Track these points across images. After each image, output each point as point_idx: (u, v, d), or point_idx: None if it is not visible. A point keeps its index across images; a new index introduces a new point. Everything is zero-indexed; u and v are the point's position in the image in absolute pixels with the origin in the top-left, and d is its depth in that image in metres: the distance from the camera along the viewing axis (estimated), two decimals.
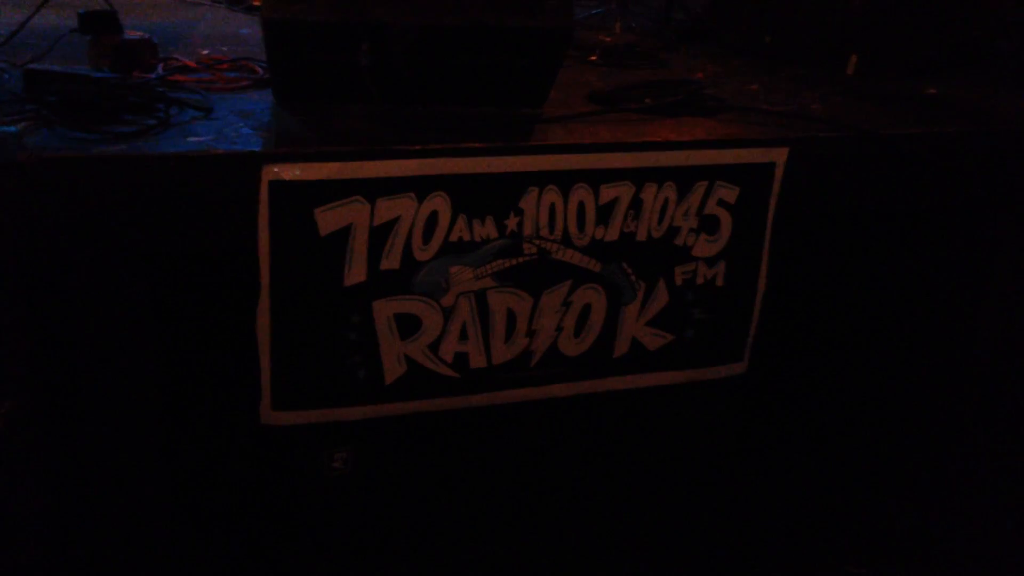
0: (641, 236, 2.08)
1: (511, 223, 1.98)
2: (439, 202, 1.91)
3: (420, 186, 1.89)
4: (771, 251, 2.20)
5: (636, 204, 2.06)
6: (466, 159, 1.92)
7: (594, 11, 3.30)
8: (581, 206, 2.02)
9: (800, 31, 2.84)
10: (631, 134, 2.12)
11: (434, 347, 2.01)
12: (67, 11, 2.23)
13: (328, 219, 1.84)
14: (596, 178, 2.01)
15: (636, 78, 2.49)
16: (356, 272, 1.90)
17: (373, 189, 1.86)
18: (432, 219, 1.92)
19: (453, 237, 1.94)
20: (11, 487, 1.84)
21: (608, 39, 2.89)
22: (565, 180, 1.99)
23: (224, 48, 2.50)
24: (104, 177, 1.70)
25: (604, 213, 2.04)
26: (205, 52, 2.42)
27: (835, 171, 2.24)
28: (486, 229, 1.96)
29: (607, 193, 2.03)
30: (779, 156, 2.14)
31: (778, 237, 2.19)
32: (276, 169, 1.78)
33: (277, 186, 1.79)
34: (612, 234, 2.06)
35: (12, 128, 1.72)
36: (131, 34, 2.22)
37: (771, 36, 2.90)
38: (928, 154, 2.32)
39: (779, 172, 2.15)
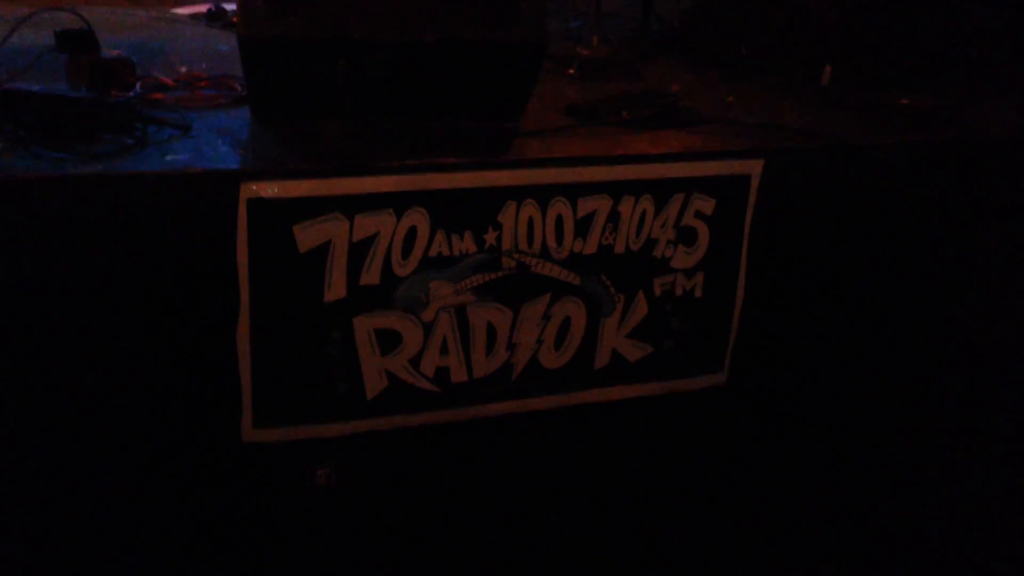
0: (619, 249, 2.10)
1: (490, 237, 1.99)
2: (418, 217, 1.92)
3: (398, 202, 1.90)
4: (749, 262, 2.22)
5: (614, 217, 2.07)
6: (444, 174, 1.93)
7: (574, 23, 3.32)
8: (559, 220, 2.03)
9: (775, 42, 2.87)
10: (608, 147, 2.14)
11: (415, 362, 2.01)
12: (44, 29, 2.22)
13: (307, 236, 1.85)
14: (574, 192, 2.03)
15: (613, 91, 2.50)
16: (336, 288, 1.90)
17: (351, 205, 1.87)
18: (411, 234, 1.93)
19: (432, 252, 1.95)
20: None
21: (585, 52, 2.91)
22: (543, 194, 2.00)
23: (203, 65, 2.50)
24: (81, 197, 1.69)
25: (582, 226, 2.05)
26: (183, 69, 2.42)
27: (811, 182, 2.27)
28: (465, 244, 1.97)
29: (585, 206, 2.04)
30: (755, 168, 2.16)
31: (756, 248, 2.21)
32: (254, 187, 1.79)
33: (255, 204, 1.80)
34: (590, 247, 2.07)
35: None
36: (108, 52, 2.22)
37: (747, 47, 2.92)
38: (903, 164, 2.34)
39: (755, 184, 2.17)
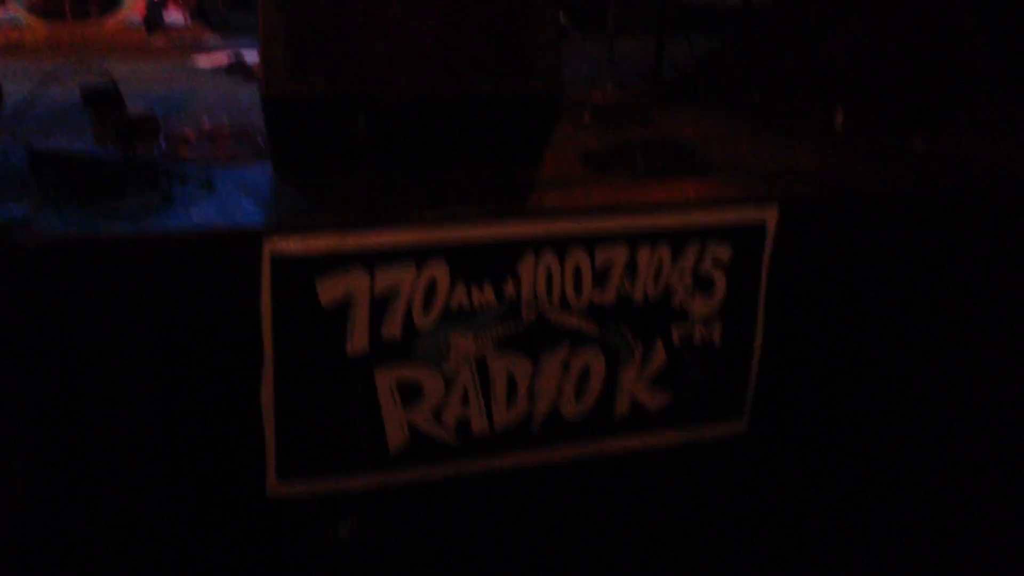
0: (637, 298, 2.11)
1: (509, 289, 2.01)
2: (438, 270, 1.95)
3: (419, 254, 1.93)
4: (767, 309, 2.23)
5: (631, 266, 2.09)
6: (463, 227, 1.96)
7: (587, 69, 3.35)
8: (577, 270, 2.05)
9: (788, 87, 2.90)
10: (624, 196, 2.16)
11: (436, 413, 2.03)
12: (71, 81, 2.27)
13: (329, 290, 1.88)
14: (591, 242, 2.05)
15: (628, 138, 2.53)
16: (358, 341, 1.92)
17: (372, 259, 1.90)
18: (431, 287, 1.95)
19: (453, 304, 1.97)
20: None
21: (599, 98, 2.94)
22: (561, 245, 2.03)
23: (224, 117, 2.54)
24: (110, 257, 1.73)
25: (600, 276, 2.07)
26: (206, 123, 2.46)
27: (828, 228, 2.28)
28: (485, 295, 1.99)
29: (603, 256, 2.06)
30: (771, 215, 2.17)
31: (773, 294, 2.22)
32: (277, 242, 1.82)
33: (279, 259, 1.83)
34: (609, 297, 2.09)
35: (19, 210, 1.76)
36: (133, 108, 2.26)
37: (760, 92, 2.95)
38: (919, 210, 2.35)
39: (771, 230, 2.18)
